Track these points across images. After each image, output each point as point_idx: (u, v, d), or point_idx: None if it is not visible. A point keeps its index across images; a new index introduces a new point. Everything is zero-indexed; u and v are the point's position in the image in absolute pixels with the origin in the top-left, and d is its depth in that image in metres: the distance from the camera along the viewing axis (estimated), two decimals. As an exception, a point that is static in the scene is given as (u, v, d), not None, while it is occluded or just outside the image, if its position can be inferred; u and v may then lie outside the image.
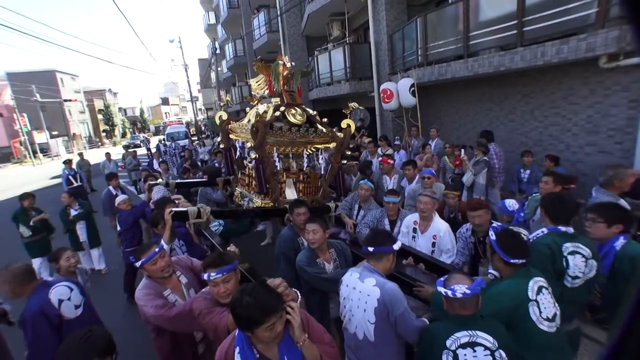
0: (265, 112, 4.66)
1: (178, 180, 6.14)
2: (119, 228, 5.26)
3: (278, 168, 4.58)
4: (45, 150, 34.47)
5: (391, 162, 5.64)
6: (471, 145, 6.46)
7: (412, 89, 7.95)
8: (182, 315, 2.30)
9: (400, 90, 8.09)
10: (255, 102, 5.31)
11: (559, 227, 2.40)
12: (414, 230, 3.54)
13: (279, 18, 15.05)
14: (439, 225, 3.43)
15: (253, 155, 4.41)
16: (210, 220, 3.99)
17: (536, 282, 2.01)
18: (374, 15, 9.82)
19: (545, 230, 2.47)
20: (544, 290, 2.01)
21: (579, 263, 2.30)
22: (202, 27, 31.72)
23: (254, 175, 4.68)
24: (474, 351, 1.71)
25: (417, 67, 7.97)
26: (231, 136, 5.32)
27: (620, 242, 2.47)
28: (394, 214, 3.88)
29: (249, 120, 4.79)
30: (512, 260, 2.02)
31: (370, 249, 2.18)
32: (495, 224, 2.33)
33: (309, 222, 2.90)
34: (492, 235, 2.14)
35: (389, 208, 3.87)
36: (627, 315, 0.57)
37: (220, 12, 24.48)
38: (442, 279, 1.90)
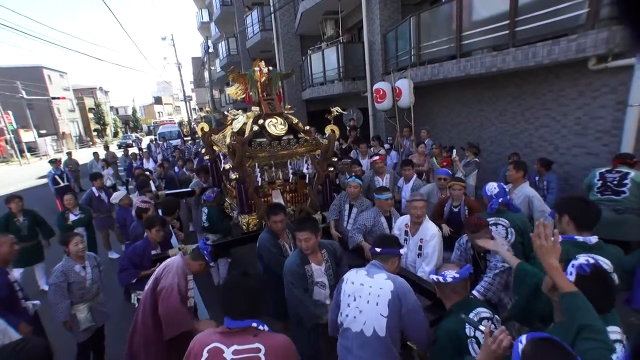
0: (245, 123, 4.47)
1: (167, 192, 6.14)
2: (117, 224, 5.53)
3: (259, 183, 4.44)
4: (33, 149, 33.60)
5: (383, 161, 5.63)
6: (462, 147, 6.48)
7: (413, 89, 7.91)
8: (178, 310, 2.60)
9: (403, 90, 8.02)
10: (229, 122, 5.16)
11: (576, 237, 2.22)
12: (406, 232, 3.54)
13: (272, 16, 14.95)
14: (427, 229, 3.39)
15: (233, 175, 4.29)
16: None
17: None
18: (368, 14, 9.79)
19: (560, 238, 2.34)
20: (617, 345, 1.58)
21: None
22: (196, 25, 31.52)
23: (235, 194, 4.55)
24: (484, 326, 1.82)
25: (411, 67, 7.97)
26: (215, 148, 5.21)
27: None
28: (388, 209, 3.92)
29: (226, 136, 4.66)
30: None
31: (378, 249, 2.32)
32: (585, 258, 1.72)
33: (299, 230, 2.81)
34: (572, 275, 1.69)
35: (387, 204, 3.86)
36: None
37: (213, 9, 24.29)
38: (432, 269, 2.24)
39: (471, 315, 1.86)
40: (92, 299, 3.51)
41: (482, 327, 1.78)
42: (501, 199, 3.27)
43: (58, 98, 37.06)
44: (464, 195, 4.14)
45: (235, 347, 1.62)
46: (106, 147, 13.82)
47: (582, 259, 1.70)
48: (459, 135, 8.35)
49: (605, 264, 1.97)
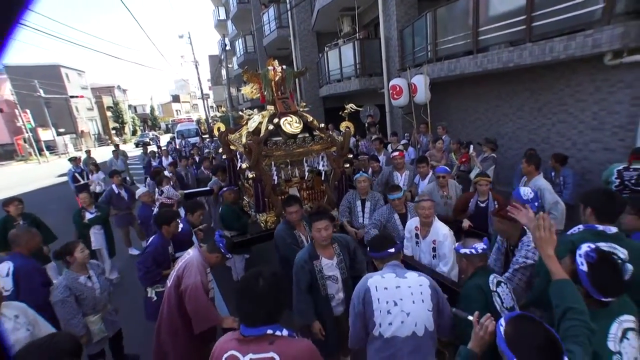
0: (260, 123, 4.49)
1: (186, 191, 6.31)
2: (139, 221, 5.52)
3: (276, 181, 4.45)
4: (52, 147, 33.38)
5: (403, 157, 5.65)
6: (479, 142, 6.54)
7: (430, 85, 7.98)
8: (207, 307, 2.76)
9: (419, 86, 8.07)
10: (244, 122, 5.21)
11: (596, 226, 2.27)
12: (416, 236, 3.49)
13: (289, 13, 15.07)
14: (438, 229, 3.32)
15: (250, 175, 4.32)
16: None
17: (621, 324, 1.67)
18: (384, 10, 9.87)
19: (581, 227, 2.35)
20: (629, 334, 1.66)
21: None
22: (212, 23, 31.83)
23: (253, 193, 4.56)
24: (502, 287, 2.16)
25: (427, 63, 8.03)
26: (232, 147, 5.27)
27: None
28: (401, 208, 3.92)
29: (242, 135, 4.70)
30: (604, 299, 1.68)
31: (392, 250, 2.30)
32: (587, 246, 1.79)
33: (318, 220, 2.79)
34: (583, 265, 1.73)
35: (395, 204, 3.87)
36: None
37: (229, 7, 24.51)
38: (458, 244, 2.39)
39: (490, 278, 2.17)
40: (103, 309, 3.35)
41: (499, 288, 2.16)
42: (537, 202, 3.28)
43: (76, 97, 36.84)
44: (490, 191, 4.14)
45: (250, 355, 1.60)
46: (116, 146, 13.28)
47: (584, 247, 1.77)
48: (476, 131, 8.38)
49: (622, 252, 2.04)
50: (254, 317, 1.64)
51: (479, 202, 4.17)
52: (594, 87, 5.48)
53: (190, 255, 2.88)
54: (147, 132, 48.18)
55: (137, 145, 34.59)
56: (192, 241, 4.18)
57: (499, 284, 2.16)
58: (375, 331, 2.06)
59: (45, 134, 33.44)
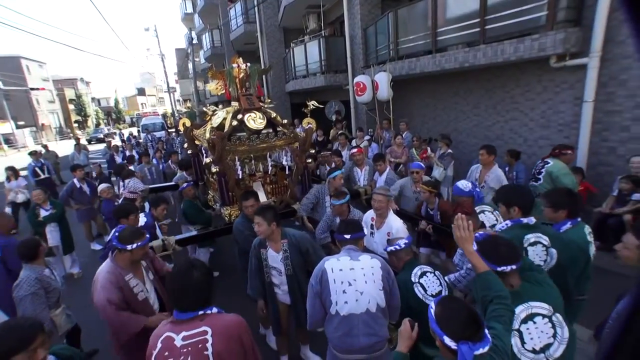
0: (225, 118, 4.53)
1: (151, 186, 6.25)
2: (103, 216, 5.49)
3: (240, 176, 4.51)
4: (10, 141, 32.57)
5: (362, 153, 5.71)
6: (435, 138, 6.75)
7: (392, 83, 8.07)
8: (116, 321, 2.52)
9: (380, 84, 8.11)
10: (208, 117, 5.23)
11: (521, 220, 2.42)
12: (372, 226, 3.54)
13: (256, 9, 14.93)
14: (392, 222, 3.42)
15: (214, 169, 4.36)
16: (177, 250, 4.00)
17: (529, 308, 1.86)
18: (349, 9, 9.98)
19: (509, 223, 2.48)
20: (536, 318, 1.85)
21: (540, 252, 2.32)
22: (179, 16, 31.05)
23: (216, 187, 4.60)
24: (427, 277, 2.40)
25: (390, 61, 8.18)
26: (197, 142, 5.28)
27: (567, 226, 2.52)
28: (343, 212, 3.74)
29: (206, 131, 4.73)
30: (499, 269, 1.88)
31: (347, 236, 2.46)
32: (476, 233, 2.09)
33: (255, 214, 2.94)
34: (475, 246, 1.99)
35: (335, 209, 3.74)
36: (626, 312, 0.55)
37: (196, 0, 23.99)
38: (386, 245, 2.63)
39: (415, 270, 2.42)
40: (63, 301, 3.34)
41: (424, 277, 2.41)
42: (477, 189, 3.60)
43: (37, 89, 35.68)
44: (437, 198, 4.04)
45: (184, 333, 1.72)
46: (77, 140, 12.32)
47: (476, 233, 2.08)
48: (436, 128, 8.62)
49: (545, 240, 2.34)
50: (187, 304, 1.78)
51: (428, 210, 4.18)
52: (541, 87, 5.79)
53: (100, 269, 2.70)
54: (102, 127, 45.72)
55: (89, 141, 33.05)
56: (156, 235, 4.21)
57: (423, 274, 2.40)
58: (332, 309, 2.24)
59: (4, 127, 32.49)
